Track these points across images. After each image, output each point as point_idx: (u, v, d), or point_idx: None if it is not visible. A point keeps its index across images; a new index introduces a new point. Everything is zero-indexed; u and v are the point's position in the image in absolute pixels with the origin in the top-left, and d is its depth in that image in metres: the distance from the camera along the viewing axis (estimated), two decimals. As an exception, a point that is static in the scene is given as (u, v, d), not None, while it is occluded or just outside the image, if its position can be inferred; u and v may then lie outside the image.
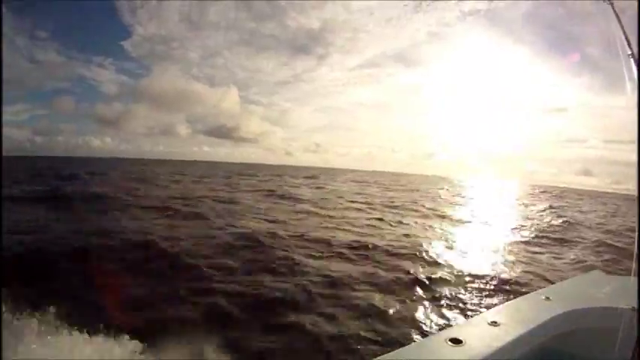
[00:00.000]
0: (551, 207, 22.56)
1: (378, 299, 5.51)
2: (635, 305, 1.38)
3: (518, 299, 1.63)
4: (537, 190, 53.05)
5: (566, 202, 31.29)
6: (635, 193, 1.48)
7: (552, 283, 8.54)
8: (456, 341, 1.14)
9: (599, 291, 1.69)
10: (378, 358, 1.13)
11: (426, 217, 14.86)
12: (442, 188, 37.58)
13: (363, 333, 4.50)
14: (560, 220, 15.79)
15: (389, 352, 1.17)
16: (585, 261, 8.58)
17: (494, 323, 1.29)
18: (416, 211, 16.49)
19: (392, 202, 19.67)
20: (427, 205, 18.70)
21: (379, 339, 4.38)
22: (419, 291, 6.00)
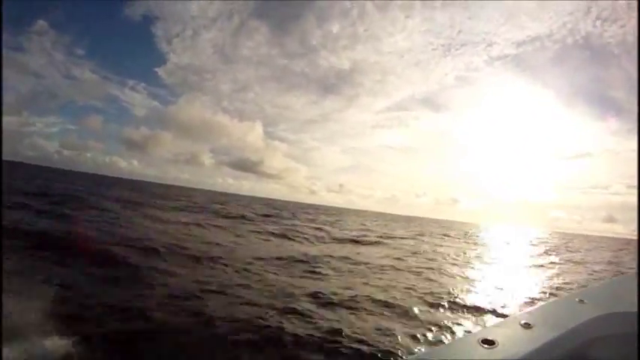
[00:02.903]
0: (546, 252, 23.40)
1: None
2: None
3: (551, 301, 1.61)
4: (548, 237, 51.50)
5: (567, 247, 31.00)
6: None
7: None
8: (489, 342, 1.14)
9: (635, 295, 1.65)
10: (409, 357, 1.16)
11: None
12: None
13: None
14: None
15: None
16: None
17: (526, 325, 1.28)
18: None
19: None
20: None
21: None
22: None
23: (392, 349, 3.99)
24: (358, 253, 12.98)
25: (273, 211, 35.72)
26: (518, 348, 1.15)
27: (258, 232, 15.99)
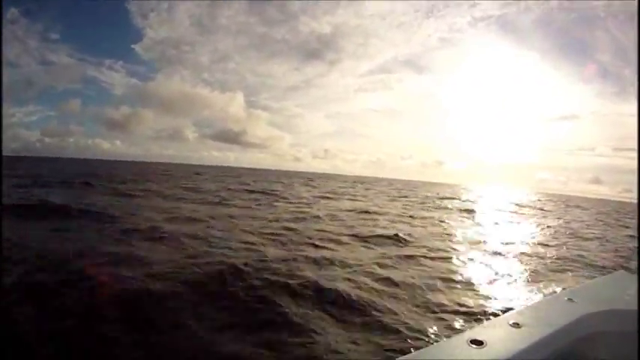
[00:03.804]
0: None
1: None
2: None
3: (540, 300, 1.60)
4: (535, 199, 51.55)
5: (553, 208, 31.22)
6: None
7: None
8: (477, 342, 1.13)
9: (624, 293, 1.65)
10: (398, 359, 1.13)
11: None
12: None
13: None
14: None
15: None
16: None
17: (516, 325, 1.27)
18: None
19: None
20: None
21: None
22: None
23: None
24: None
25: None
26: (508, 348, 1.14)
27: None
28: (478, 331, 1.23)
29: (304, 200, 18.81)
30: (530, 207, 29.73)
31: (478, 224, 14.55)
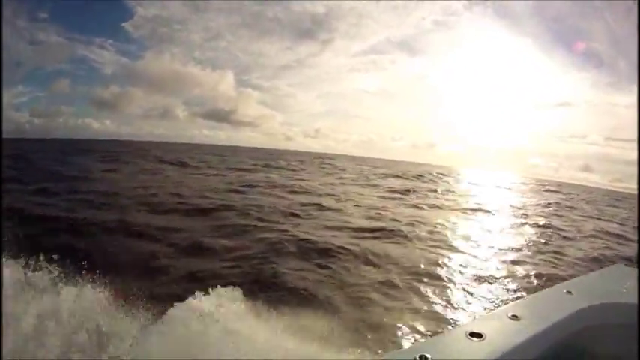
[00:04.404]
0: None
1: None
2: None
3: (538, 293, 1.61)
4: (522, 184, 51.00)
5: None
6: (635, 192, 1.44)
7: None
8: (477, 335, 1.13)
9: (622, 285, 1.66)
10: (395, 351, 1.14)
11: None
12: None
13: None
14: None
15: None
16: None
17: (514, 317, 1.27)
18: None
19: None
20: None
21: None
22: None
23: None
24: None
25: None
26: (507, 340, 1.14)
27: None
28: (477, 324, 1.23)
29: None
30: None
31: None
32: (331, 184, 19.17)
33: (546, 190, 35.06)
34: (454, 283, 5.77)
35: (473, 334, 1.12)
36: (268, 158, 39.72)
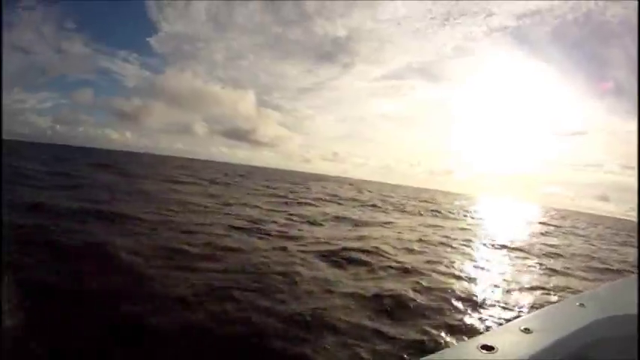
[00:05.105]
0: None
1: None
2: None
3: (551, 306, 1.60)
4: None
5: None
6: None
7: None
8: (488, 348, 1.13)
9: (636, 297, 1.64)
10: None
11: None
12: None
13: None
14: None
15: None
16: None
17: (526, 330, 1.27)
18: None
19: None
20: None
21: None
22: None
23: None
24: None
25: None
26: (519, 353, 1.14)
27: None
28: (489, 337, 1.23)
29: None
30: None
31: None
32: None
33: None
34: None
35: (484, 347, 1.12)
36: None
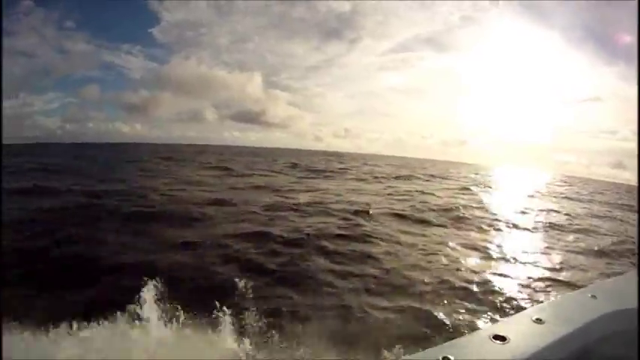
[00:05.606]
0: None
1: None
2: None
3: (563, 296, 1.60)
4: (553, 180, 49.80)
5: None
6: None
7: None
8: (500, 338, 1.14)
9: None
10: (418, 352, 1.16)
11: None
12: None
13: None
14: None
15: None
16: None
17: (538, 320, 1.27)
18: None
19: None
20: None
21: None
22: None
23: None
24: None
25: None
26: (530, 344, 1.14)
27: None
28: (501, 327, 1.24)
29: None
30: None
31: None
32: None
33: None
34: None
35: (497, 337, 1.13)
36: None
